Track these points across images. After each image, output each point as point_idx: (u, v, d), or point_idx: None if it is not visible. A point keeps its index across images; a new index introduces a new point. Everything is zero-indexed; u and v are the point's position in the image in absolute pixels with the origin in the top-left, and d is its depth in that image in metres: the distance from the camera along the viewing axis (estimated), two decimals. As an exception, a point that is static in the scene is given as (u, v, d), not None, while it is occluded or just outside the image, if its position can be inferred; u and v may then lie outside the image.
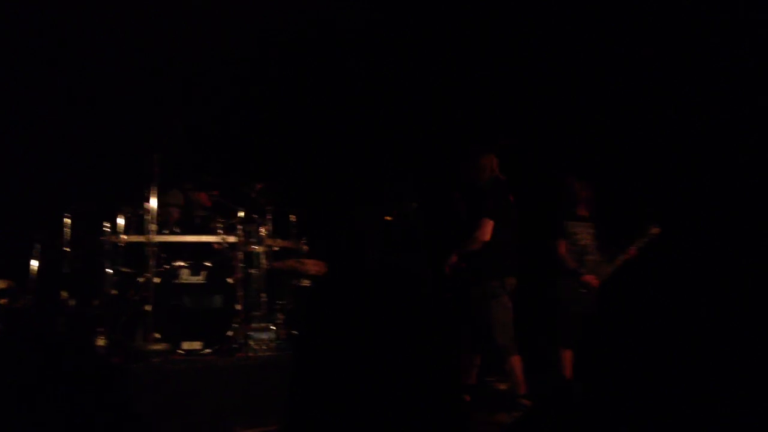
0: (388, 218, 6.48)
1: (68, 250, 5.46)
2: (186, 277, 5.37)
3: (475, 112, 6.91)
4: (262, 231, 5.79)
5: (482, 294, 5.14)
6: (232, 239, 5.62)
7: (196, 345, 5.16)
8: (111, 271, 5.35)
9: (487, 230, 5.09)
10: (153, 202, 5.31)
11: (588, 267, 5.61)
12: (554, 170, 6.19)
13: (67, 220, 5.48)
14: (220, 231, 5.64)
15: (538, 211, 6.00)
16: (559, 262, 5.69)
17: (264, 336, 5.17)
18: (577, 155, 6.40)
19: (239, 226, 5.67)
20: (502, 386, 5.68)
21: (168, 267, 5.37)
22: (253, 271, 5.72)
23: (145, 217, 5.38)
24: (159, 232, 5.42)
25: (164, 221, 5.78)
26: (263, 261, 5.76)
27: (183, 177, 6.25)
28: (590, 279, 5.57)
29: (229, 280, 5.46)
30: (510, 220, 5.27)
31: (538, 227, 5.90)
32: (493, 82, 6.83)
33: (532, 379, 5.18)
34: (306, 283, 5.98)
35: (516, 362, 5.05)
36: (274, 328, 5.35)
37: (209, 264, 5.46)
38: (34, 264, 5.31)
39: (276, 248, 6.11)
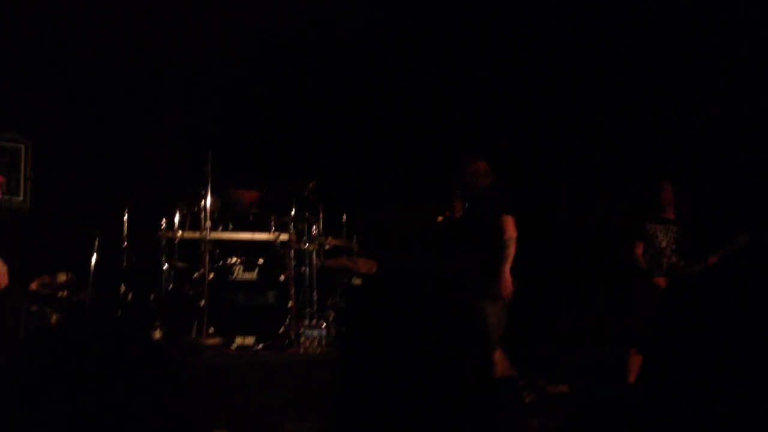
0: (440, 219, 6.47)
1: (126, 245, 5.60)
2: (239, 273, 5.45)
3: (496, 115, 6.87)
4: (314, 229, 5.84)
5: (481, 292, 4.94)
6: (284, 237, 5.69)
7: (249, 340, 5.24)
8: (167, 266, 5.47)
9: (513, 226, 4.91)
10: (208, 199, 5.41)
11: (663, 269, 5.48)
12: (650, 174, 6.04)
13: (126, 216, 5.61)
14: (273, 229, 5.71)
15: (621, 212, 5.95)
16: (633, 264, 5.60)
17: (315, 333, 5.22)
18: (673, 161, 6.26)
19: (291, 224, 5.73)
20: (555, 389, 5.62)
21: (222, 263, 5.46)
22: (304, 268, 5.78)
23: (200, 213, 5.48)
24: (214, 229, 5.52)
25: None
26: (315, 259, 5.81)
27: (233, 175, 6.34)
28: (660, 282, 5.44)
29: (281, 278, 5.52)
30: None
31: (619, 228, 5.85)
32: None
33: (592, 382, 5.11)
34: (357, 281, 6.01)
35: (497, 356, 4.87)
36: (325, 325, 5.40)
37: (262, 261, 5.54)
38: (94, 258, 5.44)
39: (327, 246, 6.16)
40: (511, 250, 4.84)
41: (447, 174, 5.27)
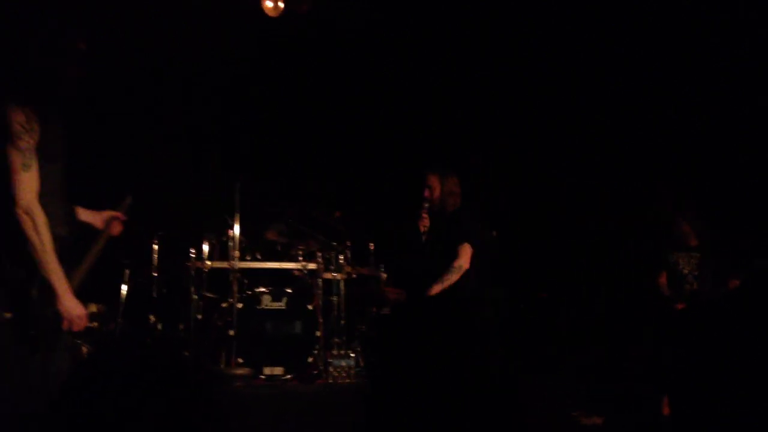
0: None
1: (156, 275, 5.63)
2: (268, 303, 5.45)
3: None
4: (342, 258, 5.84)
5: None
6: (312, 266, 5.70)
7: (278, 370, 5.22)
8: (196, 296, 5.48)
9: (467, 257, 4.73)
10: (236, 229, 5.44)
11: (685, 296, 5.50)
12: (667, 206, 6.05)
13: (156, 246, 5.65)
14: (301, 258, 5.72)
15: (642, 242, 5.95)
16: (656, 293, 5.64)
17: (344, 363, 5.19)
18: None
19: (319, 254, 5.74)
20: (588, 420, 5.53)
21: (250, 293, 5.46)
22: (333, 298, 5.77)
23: (228, 243, 5.51)
24: (243, 259, 5.54)
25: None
26: (342, 288, 5.80)
27: (262, 205, 6.37)
28: (681, 307, 5.45)
29: (310, 307, 5.51)
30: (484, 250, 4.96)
31: (642, 259, 5.85)
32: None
33: (628, 415, 5.04)
34: (386, 310, 5.98)
35: None
36: (354, 355, 5.37)
37: (290, 290, 5.54)
38: (124, 288, 5.48)
39: (355, 275, 6.15)
40: (453, 279, 4.66)
41: (417, 187, 4.98)
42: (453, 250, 4.67)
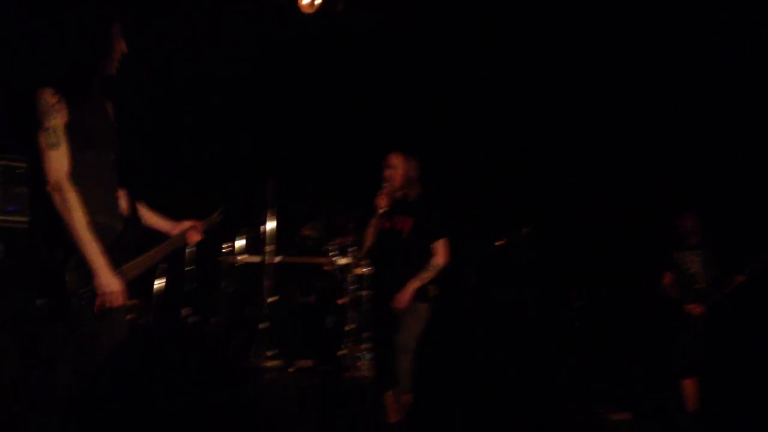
0: (499, 243, 6.44)
1: (189, 269, 5.72)
2: (299, 297, 5.51)
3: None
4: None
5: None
6: (343, 261, 5.74)
7: (308, 363, 5.28)
8: (229, 290, 5.56)
9: (445, 252, 4.67)
10: (269, 224, 5.50)
11: (694, 296, 5.46)
12: (667, 204, 6.03)
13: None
14: (332, 253, 5.77)
15: (645, 242, 5.92)
16: (663, 295, 5.61)
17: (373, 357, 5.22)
18: (687, 183, 6.22)
19: (350, 249, 5.78)
20: (617, 417, 5.52)
21: (282, 287, 5.52)
22: (363, 292, 5.81)
23: (261, 238, 5.58)
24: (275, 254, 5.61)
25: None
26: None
27: (295, 199, 6.44)
28: (692, 308, 5.43)
29: (340, 302, 5.56)
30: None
31: (645, 259, 5.82)
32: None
33: (659, 412, 5.04)
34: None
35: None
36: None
37: (321, 285, 5.59)
38: (158, 283, 5.57)
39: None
40: (430, 276, 4.63)
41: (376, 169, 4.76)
42: (428, 247, 4.61)
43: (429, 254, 4.66)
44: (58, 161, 2.62)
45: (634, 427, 4.96)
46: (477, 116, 7.11)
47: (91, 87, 2.81)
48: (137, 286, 5.59)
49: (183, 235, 3.32)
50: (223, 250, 5.62)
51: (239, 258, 5.62)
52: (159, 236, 3.25)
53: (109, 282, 2.64)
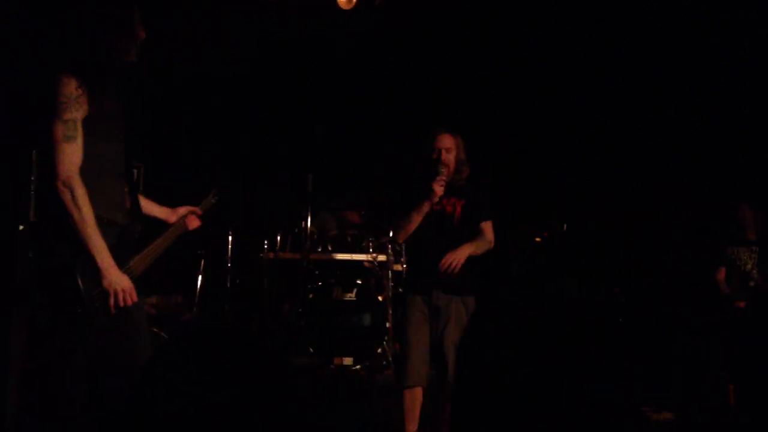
0: (538, 240, 6.39)
1: (230, 266, 5.78)
2: (338, 294, 5.53)
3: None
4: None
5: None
6: (382, 258, 5.75)
7: (347, 360, 5.30)
8: (268, 286, 5.61)
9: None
10: (308, 220, 5.54)
11: (748, 293, 5.34)
12: (725, 197, 5.91)
13: (230, 237, 5.80)
14: (371, 250, 5.79)
15: (700, 235, 5.82)
16: (715, 289, 5.49)
17: (412, 354, 5.22)
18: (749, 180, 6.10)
19: (389, 246, 5.79)
20: (659, 416, 5.45)
21: (321, 284, 5.56)
22: (402, 289, 5.81)
23: (301, 234, 5.62)
24: (314, 251, 5.64)
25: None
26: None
27: (335, 196, 6.47)
28: (742, 306, 5.31)
29: (380, 298, 5.58)
30: None
31: (700, 252, 5.71)
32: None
33: (694, 409, 4.97)
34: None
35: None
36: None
37: (360, 282, 5.61)
38: (200, 279, 5.64)
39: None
40: (484, 248, 4.14)
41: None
42: (477, 228, 4.12)
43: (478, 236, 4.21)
44: (73, 155, 2.50)
45: (677, 427, 4.88)
46: (511, 112, 7.06)
47: (112, 77, 2.70)
48: (179, 282, 5.71)
49: (183, 221, 3.17)
50: (264, 247, 5.66)
51: (280, 254, 5.66)
52: (158, 225, 3.11)
53: (119, 281, 2.54)
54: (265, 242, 5.67)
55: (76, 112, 2.50)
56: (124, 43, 2.69)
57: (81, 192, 2.49)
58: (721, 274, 5.49)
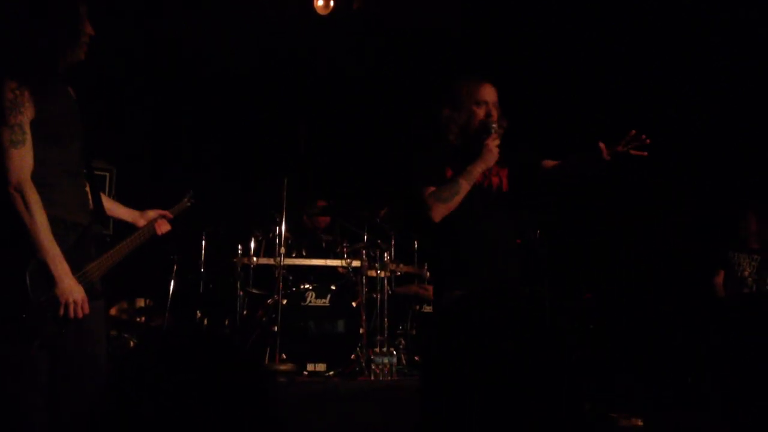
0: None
1: (203, 270, 5.73)
2: (312, 299, 5.50)
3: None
4: (386, 256, 5.86)
5: None
6: (356, 263, 5.73)
7: (321, 367, 5.27)
8: (242, 292, 5.56)
9: None
10: (283, 226, 5.50)
11: (742, 299, 5.41)
12: (732, 203, 5.94)
13: (203, 242, 5.75)
14: (345, 255, 5.76)
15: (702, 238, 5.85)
16: (711, 292, 5.52)
17: (385, 360, 5.21)
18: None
19: (363, 251, 5.77)
20: (628, 422, 5.48)
21: (295, 289, 5.52)
22: (376, 295, 5.80)
23: (275, 240, 5.58)
24: (288, 255, 5.61)
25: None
26: (386, 286, 5.82)
27: (308, 202, 6.43)
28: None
29: (353, 304, 5.55)
30: None
31: (699, 256, 5.75)
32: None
33: (665, 415, 4.99)
34: (428, 308, 6.00)
35: None
36: (396, 352, 5.39)
37: (334, 287, 5.58)
38: (172, 284, 5.58)
39: (399, 273, 6.17)
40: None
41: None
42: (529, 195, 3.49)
43: (529, 207, 3.65)
44: (22, 160, 2.44)
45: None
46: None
47: (57, 77, 2.62)
48: (149, 287, 5.64)
49: (151, 225, 3.09)
50: (238, 252, 5.61)
51: (253, 259, 5.62)
52: (126, 228, 3.04)
53: (72, 290, 2.46)
54: (239, 247, 5.62)
55: (21, 116, 2.44)
56: (70, 42, 2.60)
57: (33, 197, 2.43)
58: (720, 277, 5.54)
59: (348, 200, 6.42)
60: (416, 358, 5.66)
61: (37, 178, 2.47)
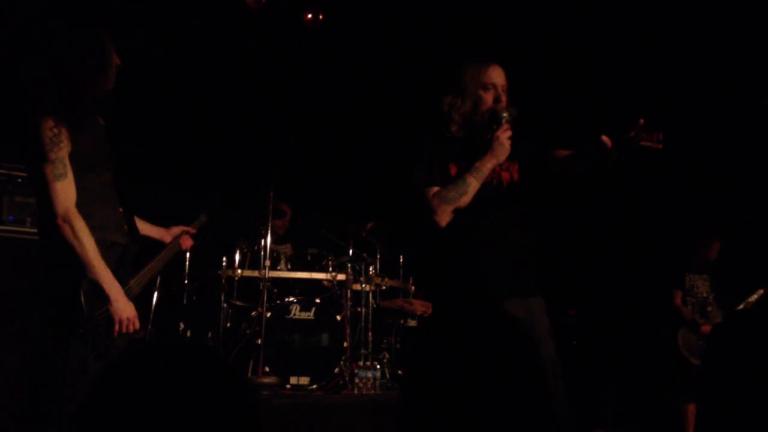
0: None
1: (187, 282, 5.70)
2: (296, 312, 5.49)
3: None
4: (371, 270, 5.87)
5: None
6: (341, 277, 5.73)
7: (304, 380, 5.25)
8: (225, 304, 5.54)
9: None
10: (268, 238, 5.49)
11: (709, 318, 5.51)
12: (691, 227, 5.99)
13: (187, 254, 5.72)
14: (331, 269, 5.76)
15: (656, 261, 5.91)
16: (675, 314, 5.62)
17: (369, 374, 5.20)
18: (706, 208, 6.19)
19: (349, 265, 5.77)
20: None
21: (279, 302, 5.51)
22: (360, 309, 5.79)
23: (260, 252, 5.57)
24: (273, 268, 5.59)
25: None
26: (371, 299, 5.82)
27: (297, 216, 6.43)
28: (708, 330, 5.43)
29: (338, 318, 5.54)
30: None
31: (655, 277, 5.81)
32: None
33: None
34: (413, 323, 5.99)
35: None
36: (380, 366, 5.38)
37: (319, 301, 5.57)
38: (155, 296, 5.55)
39: (384, 287, 6.17)
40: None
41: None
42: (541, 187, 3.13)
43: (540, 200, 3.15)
44: (66, 192, 2.61)
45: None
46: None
47: (89, 108, 2.79)
48: (133, 298, 5.60)
49: (176, 241, 3.33)
50: (222, 264, 5.60)
51: (238, 272, 5.60)
52: (152, 245, 3.26)
53: (125, 308, 2.67)
54: (224, 259, 5.60)
55: (60, 151, 2.60)
56: (99, 74, 2.75)
57: (80, 225, 2.60)
58: (678, 298, 5.64)
59: (334, 213, 6.42)
60: (400, 372, 5.66)
61: (79, 206, 2.64)
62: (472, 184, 2.79)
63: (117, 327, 2.64)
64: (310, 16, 6.59)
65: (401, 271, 6.43)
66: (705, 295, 5.63)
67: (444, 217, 2.79)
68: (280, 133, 6.96)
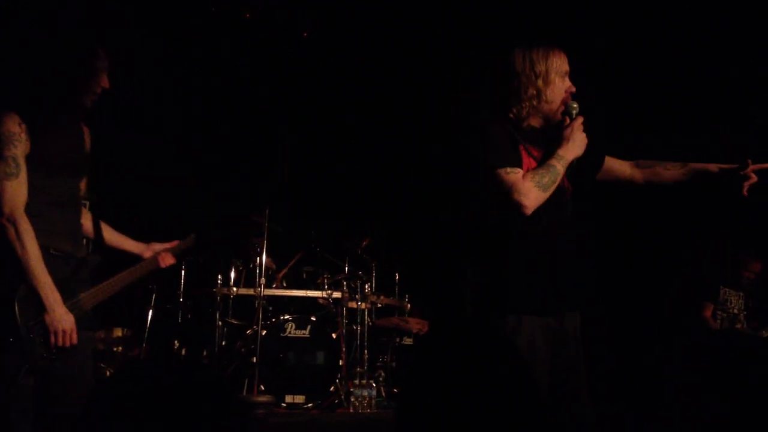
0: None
1: (182, 300, 5.68)
2: (291, 330, 5.47)
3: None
4: (367, 287, 5.85)
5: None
6: (336, 295, 5.71)
7: (299, 399, 5.22)
8: (221, 322, 5.52)
9: None
10: (263, 255, 5.48)
11: (737, 335, 5.48)
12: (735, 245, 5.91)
13: (182, 272, 5.71)
14: (326, 286, 5.75)
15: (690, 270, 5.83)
16: (702, 327, 5.49)
17: (365, 393, 5.17)
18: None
19: (344, 282, 5.76)
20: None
21: (275, 320, 5.49)
22: (356, 327, 5.77)
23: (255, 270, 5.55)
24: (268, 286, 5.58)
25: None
26: (366, 317, 5.80)
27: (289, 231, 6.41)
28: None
29: (333, 336, 5.52)
30: None
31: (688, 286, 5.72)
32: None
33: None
34: (408, 341, 5.97)
35: None
36: (375, 385, 5.36)
37: (314, 319, 5.55)
38: (150, 314, 5.53)
39: (379, 305, 6.15)
40: None
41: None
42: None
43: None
44: (15, 191, 2.51)
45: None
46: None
47: (64, 115, 2.72)
48: (128, 316, 5.58)
49: (155, 258, 3.13)
50: (218, 282, 5.58)
51: (233, 290, 5.58)
52: (130, 260, 3.10)
53: (61, 319, 2.51)
54: (219, 277, 5.59)
55: (15, 149, 2.51)
56: (81, 90, 2.68)
57: (25, 227, 2.50)
58: (708, 311, 5.54)
59: (330, 231, 6.41)
60: (396, 390, 5.63)
61: (28, 207, 2.54)
62: (561, 173, 2.54)
63: (53, 339, 2.49)
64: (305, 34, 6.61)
65: (397, 289, 6.42)
66: (737, 312, 5.54)
67: (533, 203, 2.47)
68: (278, 141, 6.98)
